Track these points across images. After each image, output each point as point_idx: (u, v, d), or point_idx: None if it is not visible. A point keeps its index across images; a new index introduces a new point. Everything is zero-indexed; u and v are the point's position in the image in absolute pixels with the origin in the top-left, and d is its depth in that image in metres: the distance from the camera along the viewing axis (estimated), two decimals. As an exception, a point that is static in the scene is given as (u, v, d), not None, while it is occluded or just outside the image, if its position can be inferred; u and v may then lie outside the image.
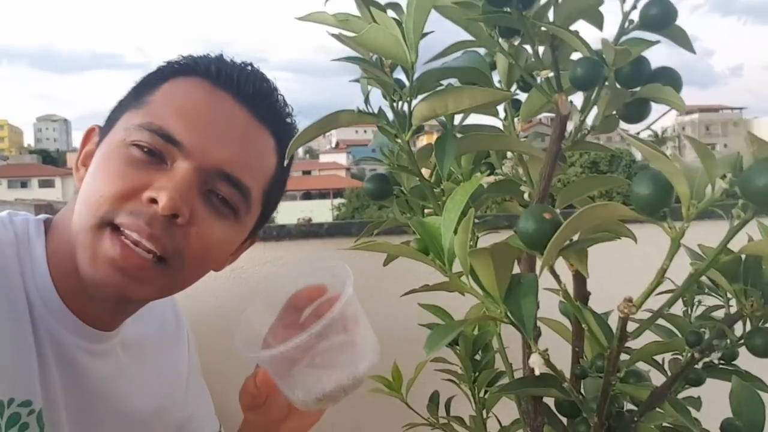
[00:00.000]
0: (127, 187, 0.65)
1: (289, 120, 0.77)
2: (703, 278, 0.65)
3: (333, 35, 0.57)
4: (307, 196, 45.87)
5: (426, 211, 0.73)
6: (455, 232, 0.49)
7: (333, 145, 70.66)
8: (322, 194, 45.33)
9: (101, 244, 0.65)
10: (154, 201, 0.65)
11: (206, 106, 0.69)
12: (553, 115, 0.58)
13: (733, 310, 0.56)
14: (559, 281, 0.49)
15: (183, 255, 0.68)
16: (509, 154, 0.73)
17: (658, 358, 0.70)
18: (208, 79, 0.70)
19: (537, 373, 0.50)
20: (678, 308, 0.73)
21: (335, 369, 0.63)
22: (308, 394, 0.63)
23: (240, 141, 0.71)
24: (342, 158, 61.92)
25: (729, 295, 0.58)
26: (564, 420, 0.67)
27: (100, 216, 0.65)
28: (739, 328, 0.57)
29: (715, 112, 68.69)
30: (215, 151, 0.68)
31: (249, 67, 0.74)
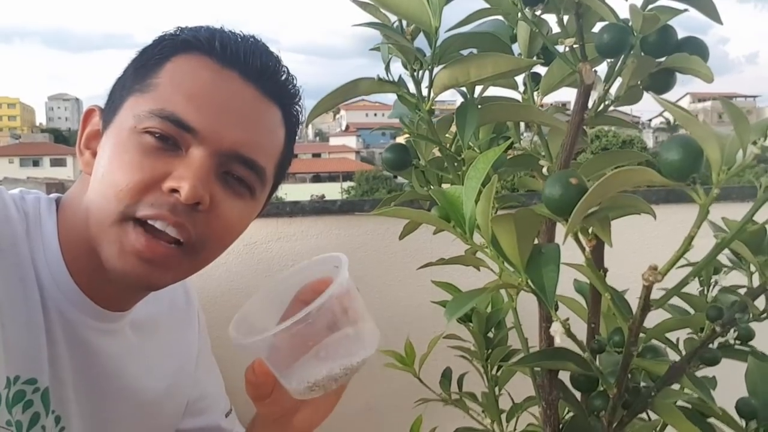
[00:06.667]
0: (145, 178, 0.65)
1: (293, 91, 0.75)
2: (722, 256, 0.64)
3: (354, 0, 0.56)
4: (317, 178, 45.90)
5: (444, 185, 0.72)
6: (476, 200, 0.48)
7: (343, 128, 70.47)
8: (332, 177, 45.33)
9: (126, 237, 0.65)
10: (174, 190, 0.65)
11: (215, 88, 0.68)
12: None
13: (755, 284, 0.55)
14: (583, 249, 0.48)
15: (206, 239, 0.69)
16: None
17: (673, 338, 0.69)
18: (214, 56, 0.69)
19: (558, 341, 0.50)
20: (694, 290, 0.72)
21: (333, 359, 0.63)
22: (300, 382, 0.63)
23: (251, 121, 0.70)
24: (352, 141, 61.77)
25: (752, 269, 0.57)
26: (579, 395, 0.67)
27: (121, 210, 0.65)
28: (760, 304, 0.56)
29: (729, 100, 68.07)
30: (229, 134, 0.67)
31: (252, 40, 0.72)
